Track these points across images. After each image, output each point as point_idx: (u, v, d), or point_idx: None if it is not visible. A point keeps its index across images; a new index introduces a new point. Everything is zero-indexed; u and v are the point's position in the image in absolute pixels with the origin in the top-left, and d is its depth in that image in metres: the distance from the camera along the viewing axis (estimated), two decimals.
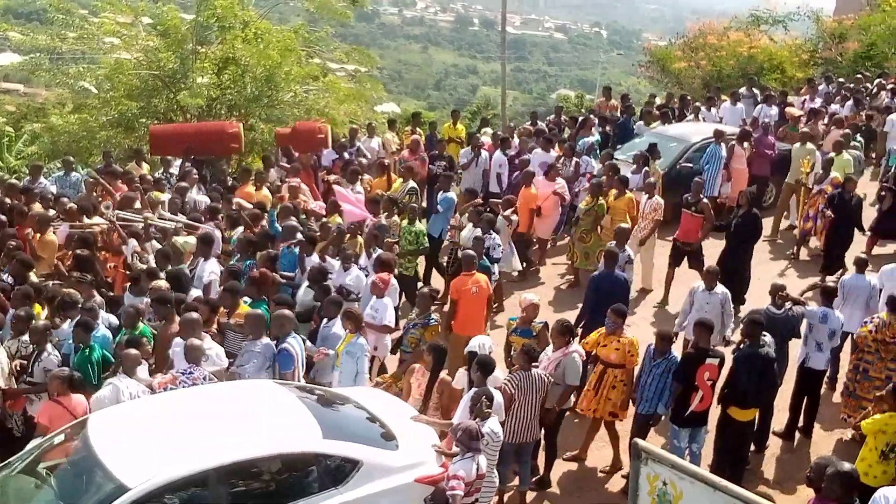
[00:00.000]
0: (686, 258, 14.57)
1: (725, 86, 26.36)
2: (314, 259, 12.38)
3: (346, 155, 17.58)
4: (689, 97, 23.35)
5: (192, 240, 12.98)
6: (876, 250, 15.72)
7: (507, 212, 14.84)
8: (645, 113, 21.00)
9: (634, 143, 18.95)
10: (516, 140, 18.13)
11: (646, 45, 41.04)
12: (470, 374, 9.36)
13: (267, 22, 24.55)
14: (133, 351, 9.37)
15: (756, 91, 22.84)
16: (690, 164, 17.53)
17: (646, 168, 16.29)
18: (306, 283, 11.82)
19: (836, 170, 16.17)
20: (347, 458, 8.07)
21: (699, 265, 14.05)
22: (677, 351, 10.37)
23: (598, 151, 18.49)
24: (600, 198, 15.04)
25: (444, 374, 9.95)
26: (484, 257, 12.72)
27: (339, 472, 8.01)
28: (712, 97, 22.49)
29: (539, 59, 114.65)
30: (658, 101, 23.79)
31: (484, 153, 17.43)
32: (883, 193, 16.28)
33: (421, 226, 14.11)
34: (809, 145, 17.15)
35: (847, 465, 6.98)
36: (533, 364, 9.61)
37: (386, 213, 14.24)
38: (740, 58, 30.23)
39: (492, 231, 13.58)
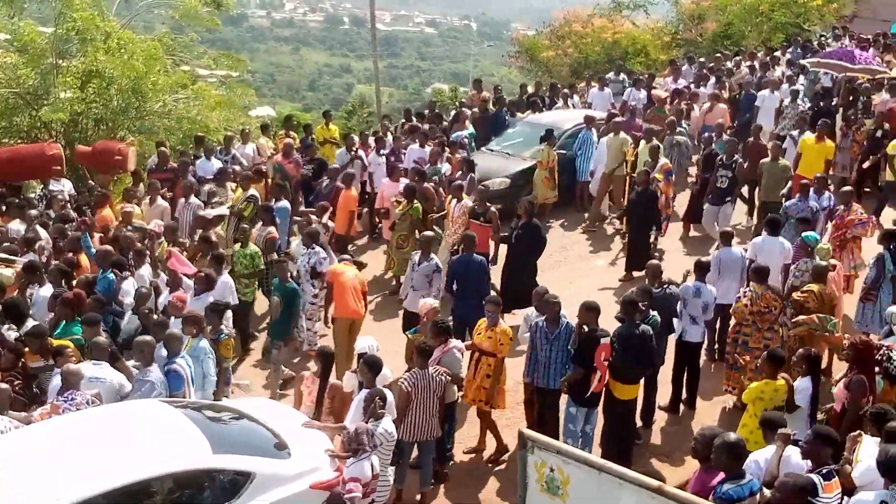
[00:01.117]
0: None
1: (594, 72, 26.91)
2: (129, 287, 11.73)
3: (217, 162, 17.25)
4: (558, 85, 23.77)
5: (9, 272, 12.18)
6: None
7: (324, 218, 14.63)
8: (510, 104, 21.30)
9: (508, 135, 19.21)
10: (390, 138, 18.17)
11: (514, 35, 41.55)
12: (359, 375, 9.40)
13: (130, 32, 23.92)
14: (2, 385, 9.05)
15: (624, 76, 23.41)
16: (564, 151, 17.85)
17: (471, 174, 15.89)
18: (130, 311, 11.36)
19: (642, 157, 16.44)
20: (240, 471, 8.00)
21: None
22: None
23: (472, 145, 18.70)
24: (415, 202, 14.63)
25: (333, 378, 9.96)
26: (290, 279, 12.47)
27: (232, 485, 7.93)
28: (573, 84, 22.91)
29: (412, 55, 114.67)
30: (530, 89, 24.13)
31: (362, 153, 17.44)
32: (693, 179, 17.10)
33: (255, 247, 13.38)
34: (622, 135, 17.27)
35: (733, 436, 7.18)
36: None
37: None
38: (605, 44, 30.96)
39: (314, 245, 13.16)
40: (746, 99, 20.48)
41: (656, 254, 14.35)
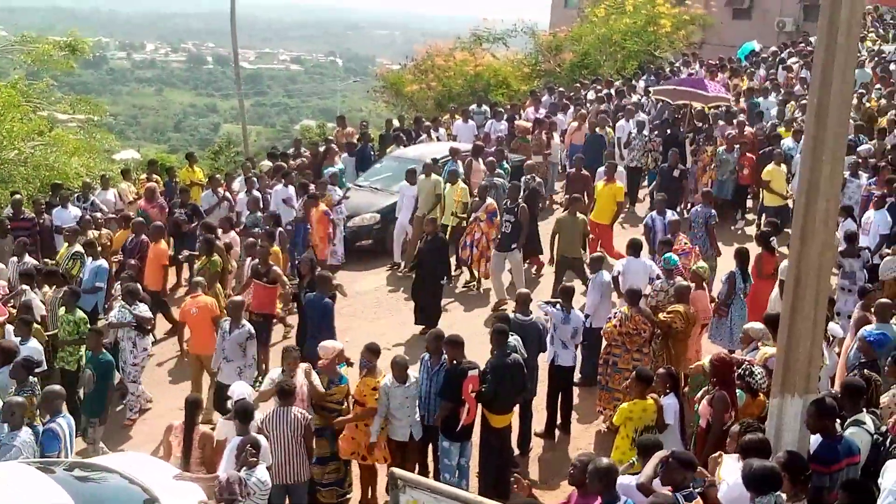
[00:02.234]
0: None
1: (457, 104, 27.25)
2: None
3: (76, 209, 16.75)
4: (423, 118, 23.98)
5: None
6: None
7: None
8: (379, 139, 21.50)
9: (376, 169, 19.26)
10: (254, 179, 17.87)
11: (378, 70, 41.78)
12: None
13: None
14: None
15: (486, 107, 23.82)
16: None
17: (279, 229, 15.00)
18: None
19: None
20: None
21: (266, 342, 13.00)
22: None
23: (342, 181, 18.69)
24: (214, 256, 13.84)
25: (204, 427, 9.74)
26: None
27: None
28: (437, 118, 23.15)
29: (278, 92, 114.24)
30: (396, 123, 24.28)
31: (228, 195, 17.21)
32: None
33: (81, 313, 12.17)
34: (434, 177, 16.83)
35: (605, 461, 7.23)
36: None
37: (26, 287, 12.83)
38: (468, 76, 31.36)
39: (138, 302, 12.40)
40: (594, 139, 20.22)
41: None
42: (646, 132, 20.15)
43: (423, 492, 6.11)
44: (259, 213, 15.95)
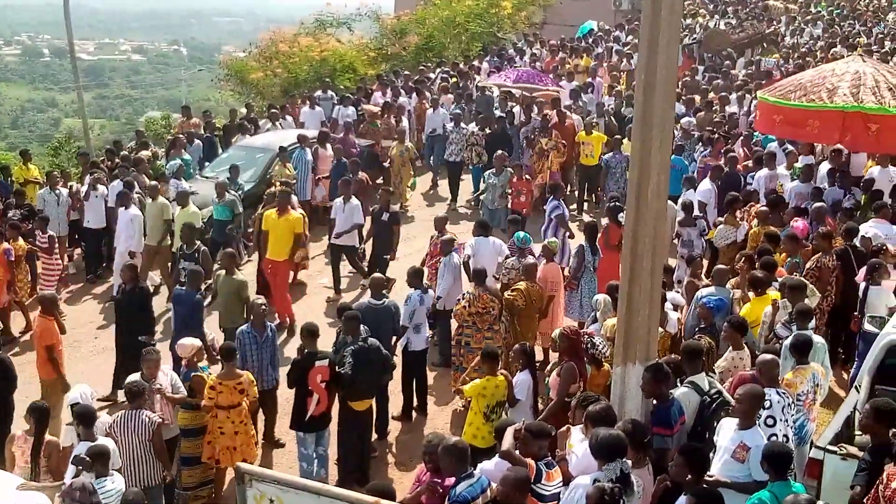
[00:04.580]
0: None
1: (304, 91, 26.92)
2: None
3: None
4: (275, 107, 23.57)
5: None
6: None
7: None
8: (223, 128, 21.13)
9: (222, 160, 18.87)
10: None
11: (223, 58, 40.79)
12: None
13: None
14: None
15: (331, 93, 23.65)
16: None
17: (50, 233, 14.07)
18: None
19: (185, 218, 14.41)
20: None
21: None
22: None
23: (190, 172, 18.25)
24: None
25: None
26: None
27: None
28: (285, 105, 22.83)
29: (121, 84, 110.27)
30: (244, 111, 23.82)
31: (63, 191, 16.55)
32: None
33: None
34: (161, 199, 15.18)
35: (454, 439, 7.37)
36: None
37: None
38: (313, 62, 30.90)
39: None
40: (369, 156, 18.94)
41: None
42: (464, 125, 19.69)
43: (269, 484, 6.05)
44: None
